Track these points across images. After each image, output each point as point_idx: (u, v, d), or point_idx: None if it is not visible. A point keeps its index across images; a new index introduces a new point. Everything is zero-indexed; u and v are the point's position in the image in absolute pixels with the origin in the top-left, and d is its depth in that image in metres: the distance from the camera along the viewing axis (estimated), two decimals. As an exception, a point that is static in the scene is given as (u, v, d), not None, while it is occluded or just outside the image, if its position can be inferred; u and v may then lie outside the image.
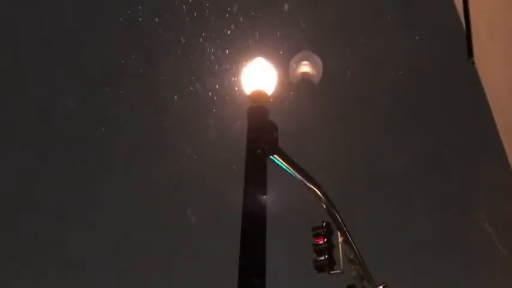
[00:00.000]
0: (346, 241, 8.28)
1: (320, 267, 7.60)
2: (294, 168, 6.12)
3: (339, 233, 8.16)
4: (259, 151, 5.51)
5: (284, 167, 5.98)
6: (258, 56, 6.29)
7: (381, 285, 10.43)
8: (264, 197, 5.17)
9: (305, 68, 6.97)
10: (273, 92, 6.08)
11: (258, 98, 5.88)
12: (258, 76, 6.05)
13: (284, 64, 7.05)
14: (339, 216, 7.59)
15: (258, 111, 5.79)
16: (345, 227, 7.92)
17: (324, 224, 7.83)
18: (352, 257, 8.69)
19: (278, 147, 5.83)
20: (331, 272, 7.66)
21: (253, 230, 5.00)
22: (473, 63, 6.38)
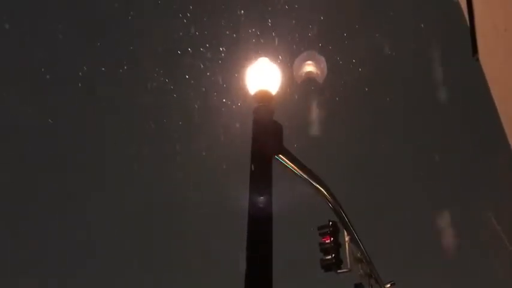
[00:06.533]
0: (352, 240, 8.27)
1: (327, 266, 7.58)
2: (299, 168, 6.12)
3: (345, 232, 8.16)
4: (264, 151, 5.51)
5: (289, 167, 5.98)
6: (262, 56, 6.30)
7: (388, 283, 10.42)
8: (270, 197, 5.17)
9: (309, 67, 6.98)
10: (278, 92, 6.08)
11: (263, 98, 5.88)
12: (263, 76, 6.05)
13: (288, 64, 7.07)
14: (345, 215, 7.58)
15: (263, 111, 5.80)
16: (352, 225, 7.91)
17: (331, 223, 7.82)
18: (359, 255, 8.68)
19: (283, 147, 5.83)
20: (338, 271, 7.64)
21: (259, 230, 5.01)
22: (477, 60, 6.38)
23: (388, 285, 10.51)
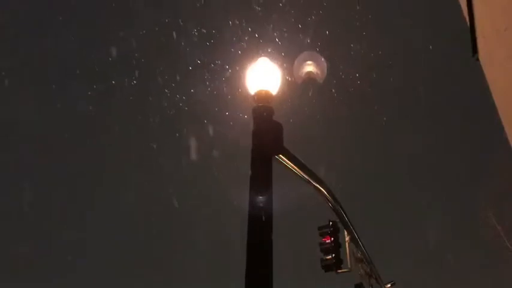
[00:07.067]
0: (353, 240, 8.27)
1: (327, 267, 7.58)
2: (299, 168, 6.12)
3: (345, 232, 8.15)
4: (264, 151, 5.51)
5: (289, 167, 5.98)
6: (262, 56, 6.30)
7: (388, 283, 10.42)
8: (270, 197, 5.17)
9: (309, 67, 6.97)
10: (278, 92, 6.08)
11: (263, 98, 5.88)
12: (263, 76, 6.05)
13: (288, 64, 7.06)
14: (346, 215, 7.58)
15: (263, 111, 5.80)
16: (352, 225, 7.91)
17: (331, 223, 7.83)
18: (359, 255, 8.68)
19: (283, 147, 5.83)
20: (339, 271, 7.64)
21: (260, 230, 5.01)
22: (477, 59, 6.37)
23: (389, 285, 10.52)
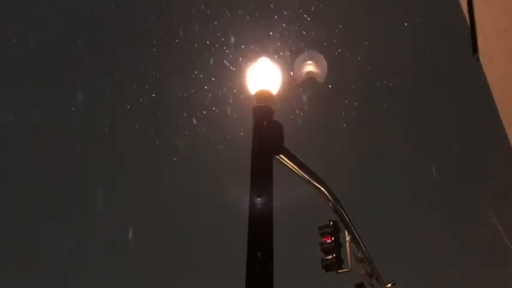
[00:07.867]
0: (353, 240, 8.27)
1: (328, 266, 7.59)
2: (299, 168, 6.11)
3: (346, 232, 8.15)
4: (264, 151, 5.51)
5: (290, 167, 5.98)
6: (263, 56, 6.30)
7: (389, 283, 10.41)
8: (270, 197, 5.17)
9: (310, 67, 6.97)
10: (278, 92, 6.08)
11: (263, 98, 5.88)
12: (263, 76, 6.05)
13: (289, 64, 7.06)
14: (346, 215, 7.57)
15: (263, 111, 5.79)
16: (352, 225, 7.90)
17: (331, 222, 7.82)
18: (360, 255, 8.67)
19: (284, 147, 5.83)
20: (339, 271, 7.64)
21: (260, 230, 5.00)
22: (478, 59, 6.37)
23: (389, 285, 10.51)
